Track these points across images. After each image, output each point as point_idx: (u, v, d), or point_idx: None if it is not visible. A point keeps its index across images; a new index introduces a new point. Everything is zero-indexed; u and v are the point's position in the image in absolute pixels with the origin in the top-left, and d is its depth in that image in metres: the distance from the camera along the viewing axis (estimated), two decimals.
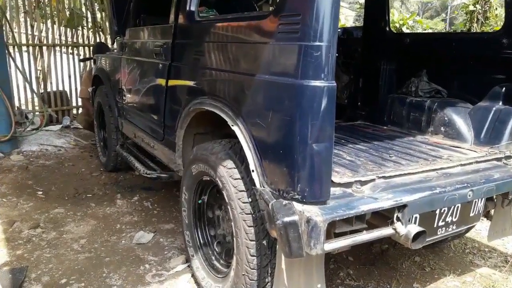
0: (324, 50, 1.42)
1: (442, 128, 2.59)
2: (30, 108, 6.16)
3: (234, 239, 1.90)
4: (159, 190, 3.88)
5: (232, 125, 1.86)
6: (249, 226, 1.81)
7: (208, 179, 2.17)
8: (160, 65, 2.73)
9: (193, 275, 2.45)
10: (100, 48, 5.23)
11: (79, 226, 3.15)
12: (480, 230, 3.22)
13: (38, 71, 6.44)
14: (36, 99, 6.12)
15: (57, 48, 6.75)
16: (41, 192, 3.74)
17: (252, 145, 1.74)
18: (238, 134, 1.82)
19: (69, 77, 6.68)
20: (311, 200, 1.49)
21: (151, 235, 3.00)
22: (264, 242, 1.82)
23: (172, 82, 2.58)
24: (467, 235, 3.11)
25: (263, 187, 1.67)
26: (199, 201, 2.36)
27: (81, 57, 6.79)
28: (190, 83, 2.35)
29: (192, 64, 2.36)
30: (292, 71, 1.50)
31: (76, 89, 6.77)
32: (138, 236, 2.98)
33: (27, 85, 5.71)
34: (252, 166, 1.73)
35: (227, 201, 1.92)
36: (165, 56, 2.68)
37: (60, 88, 6.65)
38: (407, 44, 3.09)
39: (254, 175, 1.72)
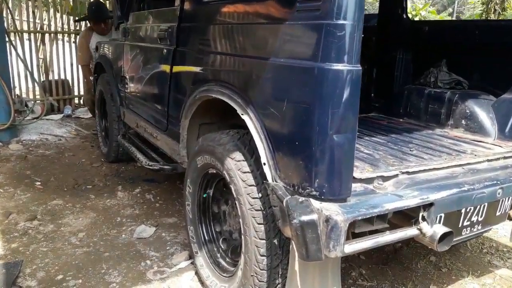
0: (348, 30, 1.26)
1: (463, 121, 2.43)
2: (31, 97, 6.03)
3: (242, 237, 1.76)
4: (162, 182, 3.74)
5: (242, 114, 1.72)
6: (259, 224, 1.66)
7: (215, 172, 2.03)
8: (165, 51, 2.58)
9: (196, 273, 2.31)
10: (99, 9, 4.93)
11: (77, 218, 3.02)
12: (497, 229, 3.07)
13: (40, 60, 6.30)
14: (37, 88, 5.98)
15: (59, 37, 6.60)
16: (39, 183, 3.61)
17: (264, 135, 1.59)
18: (248, 124, 1.67)
19: (71, 65, 6.53)
20: (330, 197, 1.34)
21: (153, 229, 2.87)
22: (275, 241, 1.67)
23: (176, 69, 2.43)
24: (484, 234, 2.96)
25: (276, 181, 1.53)
26: (204, 195, 2.22)
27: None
28: (196, 69, 2.20)
29: (199, 48, 2.20)
30: (311, 54, 1.35)
31: (78, 78, 6.64)
32: (139, 230, 2.85)
33: (28, 74, 5.58)
34: (263, 159, 1.59)
35: (235, 196, 1.77)
36: (170, 40, 2.53)
37: (62, 77, 6.51)
38: (425, 33, 2.92)
39: (266, 169, 1.58)
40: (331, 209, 1.29)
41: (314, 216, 1.26)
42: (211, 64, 2.05)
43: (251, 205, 1.68)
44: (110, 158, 4.12)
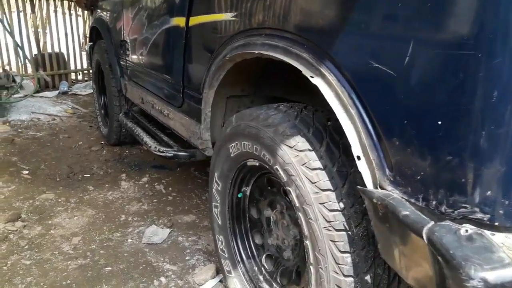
0: None
1: None
2: (24, 73, 5.39)
3: (311, 269, 1.15)
4: (173, 169, 3.14)
5: (312, 77, 1.08)
6: (342, 252, 1.05)
7: (256, 164, 1.41)
8: None
9: None
10: None
11: (72, 217, 2.43)
12: None
13: (31, 30, 5.62)
14: (28, 63, 5.32)
15: (51, 2, 5.88)
16: (27, 172, 3.01)
17: (357, 110, 0.96)
18: (325, 92, 1.03)
19: (66, 36, 5.85)
20: (509, 225, 0.72)
21: (167, 232, 2.27)
22: (368, 278, 1.06)
23: (195, 20, 1.78)
24: None
25: (384, 188, 0.90)
26: (239, 195, 1.61)
27: (80, 16, 5.94)
28: (227, 16, 1.54)
29: None
30: None
31: (74, 51, 5.96)
32: (150, 232, 2.26)
33: (15, 45, 4.91)
34: (357, 149, 0.96)
35: (296, 204, 1.16)
36: None
37: (57, 49, 5.84)
38: None
39: (362, 166, 0.95)
40: None
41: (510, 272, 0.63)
42: (251, 5, 1.39)
43: (328, 222, 1.07)
44: (111, 140, 3.50)
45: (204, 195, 2.75)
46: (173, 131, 2.25)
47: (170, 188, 2.84)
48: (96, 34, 3.52)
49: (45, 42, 5.66)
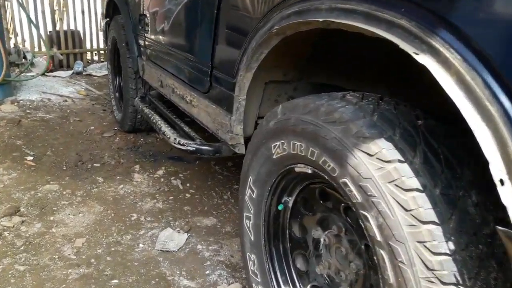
0: None
1: None
2: (37, 50, 5.12)
3: None
4: (192, 162, 2.82)
5: (416, 54, 0.72)
6: None
7: (309, 172, 1.07)
8: None
9: None
10: None
11: (77, 214, 2.13)
12: None
13: (47, 5, 5.32)
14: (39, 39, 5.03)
15: None
16: (31, 158, 2.72)
17: (499, 107, 0.61)
18: (439, 76, 0.68)
19: (82, 13, 5.55)
20: None
21: (184, 237, 1.96)
22: None
23: None
24: None
25: None
26: (279, 207, 1.27)
27: None
28: None
29: None
30: None
31: (90, 28, 5.66)
32: (164, 236, 1.95)
33: (28, 20, 4.63)
34: (498, 168, 0.61)
35: (377, 238, 0.81)
36: None
37: (72, 27, 5.55)
38: None
39: (508, 195, 0.60)
40: None
41: None
42: None
43: (431, 270, 0.72)
44: (125, 126, 3.19)
45: (226, 194, 2.43)
46: (196, 121, 1.92)
47: (188, 184, 2.53)
48: (113, 8, 3.19)
49: (60, 19, 5.36)
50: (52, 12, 5.31)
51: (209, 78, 1.68)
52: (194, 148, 1.87)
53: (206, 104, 1.72)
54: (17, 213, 2.09)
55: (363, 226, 0.86)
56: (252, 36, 1.29)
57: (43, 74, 4.45)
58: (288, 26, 1.10)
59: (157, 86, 2.40)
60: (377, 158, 0.81)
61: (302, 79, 1.51)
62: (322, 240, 1.18)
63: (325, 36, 1.17)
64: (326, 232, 1.16)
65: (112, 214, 2.15)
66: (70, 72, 5.14)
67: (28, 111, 3.62)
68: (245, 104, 1.44)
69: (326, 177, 0.98)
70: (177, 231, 2.01)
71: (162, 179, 2.56)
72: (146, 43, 2.52)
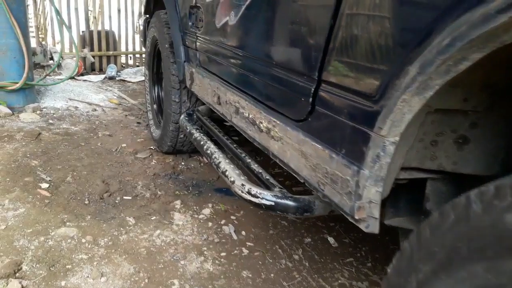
0: None
1: None
2: (67, 51, 4.65)
3: None
4: None
5: None
6: None
7: None
8: None
9: None
10: None
11: (97, 277, 1.53)
12: None
13: (80, 4, 4.87)
14: (68, 39, 4.56)
15: None
16: (46, 185, 2.16)
17: None
18: None
19: (119, 11, 5.06)
20: None
21: None
22: None
23: None
24: None
25: None
26: None
27: None
28: None
29: None
30: None
31: (126, 29, 5.17)
32: None
33: (57, 18, 4.14)
34: None
35: None
36: None
37: (107, 27, 5.07)
38: None
39: None
40: None
41: None
42: None
43: None
44: (163, 147, 2.60)
45: (297, 252, 1.78)
46: (275, 160, 1.28)
47: (243, 232, 1.90)
48: (155, 1, 2.62)
49: (95, 18, 4.89)
50: (86, 10, 4.84)
51: (310, 99, 1.05)
52: (273, 203, 1.24)
53: (301, 139, 1.09)
54: (17, 273, 1.50)
55: None
56: (445, 24, 0.64)
57: (72, 78, 3.94)
58: None
59: (211, 102, 1.79)
60: None
61: (492, 108, 0.86)
62: None
63: None
64: None
65: (146, 280, 1.54)
66: (102, 76, 4.64)
67: (51, 121, 3.09)
68: (393, 151, 0.80)
69: None
70: None
71: (210, 223, 1.94)
72: (198, 44, 1.93)
